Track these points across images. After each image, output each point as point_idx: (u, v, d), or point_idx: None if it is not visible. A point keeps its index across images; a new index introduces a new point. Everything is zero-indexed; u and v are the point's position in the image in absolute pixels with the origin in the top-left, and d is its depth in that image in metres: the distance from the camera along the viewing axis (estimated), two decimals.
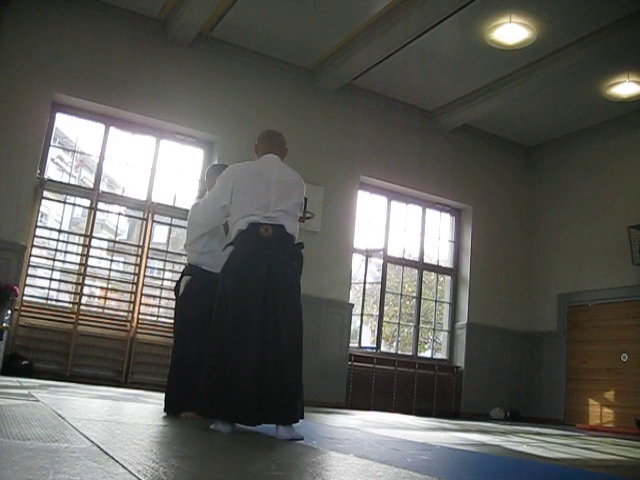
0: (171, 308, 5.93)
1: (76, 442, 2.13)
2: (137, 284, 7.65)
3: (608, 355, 8.83)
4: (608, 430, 8.08)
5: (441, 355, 9.90)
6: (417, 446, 3.52)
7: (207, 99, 8.15)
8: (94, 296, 9.07)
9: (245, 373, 3.05)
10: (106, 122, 7.93)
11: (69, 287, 7.69)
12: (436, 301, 10.12)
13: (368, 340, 11.86)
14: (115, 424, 3.01)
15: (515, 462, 3.27)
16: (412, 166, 9.39)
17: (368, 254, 9.46)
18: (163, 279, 8.08)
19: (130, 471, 1.66)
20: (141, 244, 7.82)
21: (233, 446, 2.74)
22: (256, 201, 3.33)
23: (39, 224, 7.52)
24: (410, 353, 9.73)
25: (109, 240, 9.17)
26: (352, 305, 8.82)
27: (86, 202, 7.90)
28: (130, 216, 8.95)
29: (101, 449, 2.01)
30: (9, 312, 6.61)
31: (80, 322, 7.21)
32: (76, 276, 7.60)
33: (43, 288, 7.63)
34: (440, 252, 10.15)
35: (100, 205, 7.82)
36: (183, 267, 4.35)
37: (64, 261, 7.70)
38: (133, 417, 3.73)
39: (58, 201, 7.96)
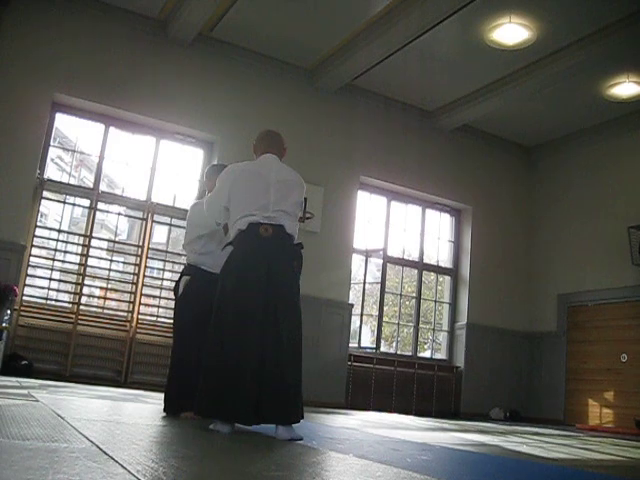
0: (171, 308, 5.92)
1: (75, 442, 2.13)
2: (137, 284, 7.65)
3: (608, 355, 8.83)
4: (607, 430, 8.09)
5: (441, 355, 9.90)
6: (416, 446, 3.52)
7: (207, 99, 8.15)
8: (94, 296, 9.07)
9: (244, 373, 3.05)
10: (106, 122, 7.93)
11: (69, 287, 7.69)
12: (436, 301, 10.12)
13: (368, 340, 11.88)
14: (115, 424, 3.01)
15: (514, 462, 3.27)
16: (412, 166, 9.40)
17: (368, 254, 9.46)
18: (163, 279, 8.08)
19: (129, 471, 1.66)
20: (141, 244, 7.82)
21: (233, 446, 2.74)
22: (255, 201, 3.33)
23: (39, 224, 7.52)
24: (410, 353, 9.73)
25: (109, 240, 9.17)
26: (352, 305, 8.82)
27: (86, 202, 7.90)
28: (130, 216, 8.95)
29: (100, 449, 2.01)
30: (9, 312, 6.62)
31: (80, 322, 7.21)
32: (76, 276, 7.60)
33: (43, 288, 7.63)
34: (440, 252, 10.16)
35: (100, 205, 7.82)
36: (183, 267, 4.35)
37: (64, 261, 7.70)
38: (133, 417, 3.73)
39: (58, 201, 7.96)
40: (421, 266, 9.97)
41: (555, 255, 9.85)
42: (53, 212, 11.49)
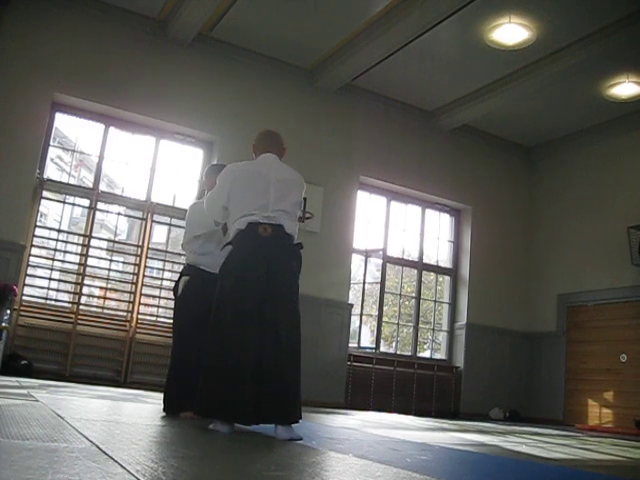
0: (170, 308, 5.92)
1: (75, 442, 2.13)
2: (136, 284, 7.65)
3: (607, 355, 8.83)
4: (607, 430, 8.09)
5: (440, 355, 9.90)
6: (416, 446, 3.52)
7: (207, 99, 8.15)
8: (93, 296, 9.07)
9: (244, 373, 3.05)
10: (106, 122, 7.93)
11: (68, 287, 7.69)
12: (435, 301, 10.12)
13: (367, 340, 11.87)
14: (114, 424, 3.01)
15: (514, 462, 3.27)
16: (411, 166, 9.40)
17: (367, 254, 9.46)
18: (162, 279, 8.08)
19: (129, 471, 1.66)
20: (140, 244, 7.82)
21: (232, 446, 2.74)
22: (255, 201, 3.32)
23: (38, 224, 7.52)
24: (409, 353, 9.73)
25: (108, 240, 9.17)
26: (351, 305, 8.82)
27: (85, 202, 7.90)
28: (129, 216, 8.95)
29: (100, 449, 2.01)
30: (8, 312, 6.62)
31: (79, 322, 7.21)
32: (75, 276, 7.60)
33: (42, 288, 7.63)
34: (439, 252, 10.16)
35: (99, 205, 7.82)
36: (182, 267, 4.35)
37: (63, 261, 7.70)
38: (132, 417, 3.73)
39: (57, 201, 7.95)
40: (421, 266, 9.97)
41: (555, 255, 9.85)
42: (53, 212, 11.48)
